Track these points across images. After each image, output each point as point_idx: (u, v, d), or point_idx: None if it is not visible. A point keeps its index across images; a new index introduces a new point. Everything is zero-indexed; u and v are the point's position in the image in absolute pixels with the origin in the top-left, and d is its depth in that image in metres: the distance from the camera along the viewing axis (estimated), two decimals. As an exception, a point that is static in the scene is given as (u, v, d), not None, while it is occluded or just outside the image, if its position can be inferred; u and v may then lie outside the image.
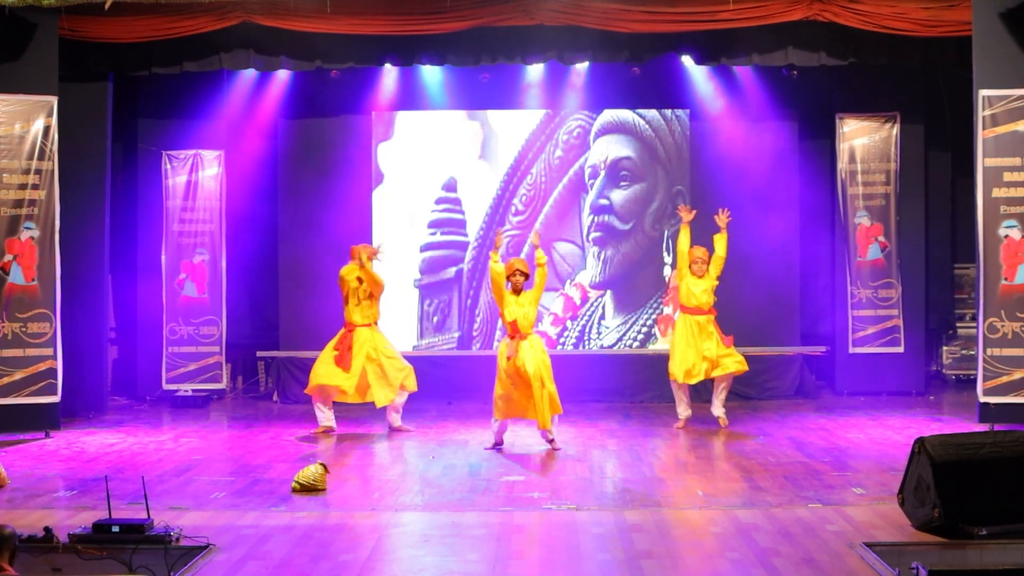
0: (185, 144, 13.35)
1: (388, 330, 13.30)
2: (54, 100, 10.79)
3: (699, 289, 10.94)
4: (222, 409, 12.81)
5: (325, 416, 10.86)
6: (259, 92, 13.35)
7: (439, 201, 13.74)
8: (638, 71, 12.83)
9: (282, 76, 13.20)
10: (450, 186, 13.73)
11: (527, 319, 9.87)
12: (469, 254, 13.68)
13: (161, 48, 11.68)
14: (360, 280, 10.84)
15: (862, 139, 13.19)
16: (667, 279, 13.36)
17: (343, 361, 10.67)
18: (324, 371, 10.75)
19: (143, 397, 13.23)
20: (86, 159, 11.97)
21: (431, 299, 13.65)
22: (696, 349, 10.83)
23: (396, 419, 10.98)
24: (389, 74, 13.36)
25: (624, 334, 13.55)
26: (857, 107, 13.21)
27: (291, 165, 13.71)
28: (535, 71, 13.24)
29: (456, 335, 13.59)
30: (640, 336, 13.39)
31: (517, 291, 9.97)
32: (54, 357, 10.69)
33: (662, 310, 13.48)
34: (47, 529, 6.54)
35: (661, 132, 13.62)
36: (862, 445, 10.02)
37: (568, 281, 13.64)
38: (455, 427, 11.20)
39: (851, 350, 13.07)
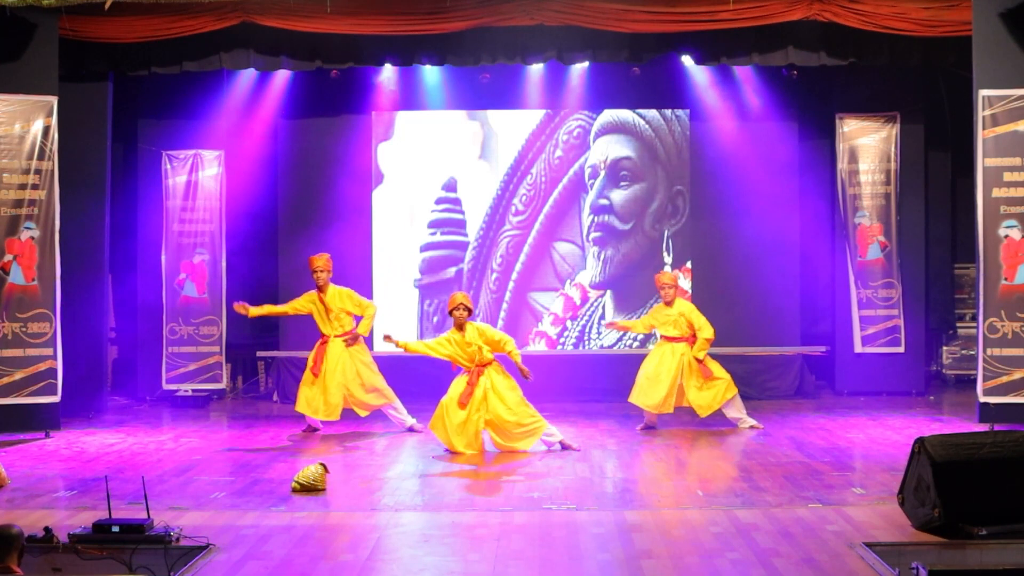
0: (185, 144, 13.35)
1: (388, 331, 13.36)
2: (54, 100, 10.79)
3: (670, 317, 10.91)
4: (222, 409, 12.81)
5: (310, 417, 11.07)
6: (259, 92, 13.35)
7: (439, 201, 13.74)
8: (638, 71, 12.84)
9: (282, 76, 13.20)
10: (450, 186, 13.73)
11: (480, 351, 9.86)
12: (469, 254, 13.67)
13: (161, 48, 11.68)
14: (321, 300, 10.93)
15: (862, 139, 13.19)
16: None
17: (318, 375, 10.78)
18: (307, 396, 10.81)
19: (143, 397, 13.23)
20: (86, 159, 11.98)
21: (431, 299, 13.64)
22: (658, 376, 10.77)
23: (402, 419, 11.00)
24: (389, 74, 13.36)
25: (624, 334, 13.54)
26: (857, 107, 13.21)
27: (291, 165, 13.71)
28: (535, 71, 13.24)
29: (456, 335, 13.57)
30: (640, 336, 13.36)
31: (460, 327, 9.95)
32: (54, 357, 10.69)
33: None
34: (47, 529, 6.54)
35: (661, 132, 13.62)
36: (862, 445, 10.02)
37: (568, 281, 13.64)
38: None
39: (857, 349, 13.07)
